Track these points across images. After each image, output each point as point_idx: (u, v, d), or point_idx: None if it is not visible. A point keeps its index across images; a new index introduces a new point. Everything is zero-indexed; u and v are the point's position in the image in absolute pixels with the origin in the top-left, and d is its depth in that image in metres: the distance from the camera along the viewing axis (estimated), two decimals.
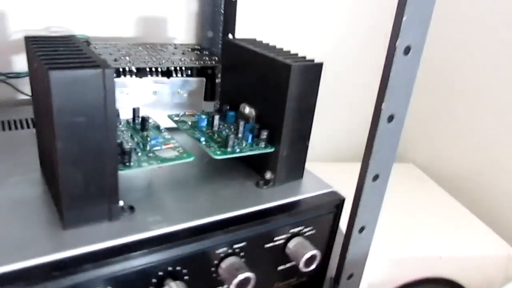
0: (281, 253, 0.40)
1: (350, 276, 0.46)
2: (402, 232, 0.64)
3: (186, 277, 0.34)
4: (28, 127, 0.49)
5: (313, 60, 0.38)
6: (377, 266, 0.59)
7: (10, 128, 0.49)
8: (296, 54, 0.40)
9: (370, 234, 0.44)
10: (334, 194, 0.42)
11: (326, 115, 0.88)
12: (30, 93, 0.38)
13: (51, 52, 0.31)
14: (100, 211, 0.32)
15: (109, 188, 0.32)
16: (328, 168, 0.78)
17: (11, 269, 0.27)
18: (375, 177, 0.40)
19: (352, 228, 0.43)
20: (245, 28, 0.70)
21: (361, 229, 0.43)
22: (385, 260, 0.60)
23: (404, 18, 0.34)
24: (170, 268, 0.33)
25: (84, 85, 0.28)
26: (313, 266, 0.39)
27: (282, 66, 0.37)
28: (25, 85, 0.57)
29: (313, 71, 0.38)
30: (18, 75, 0.55)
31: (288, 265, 0.41)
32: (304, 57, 0.39)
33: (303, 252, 0.38)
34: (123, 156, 0.33)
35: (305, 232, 0.40)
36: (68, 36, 0.36)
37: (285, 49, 0.42)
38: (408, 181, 0.81)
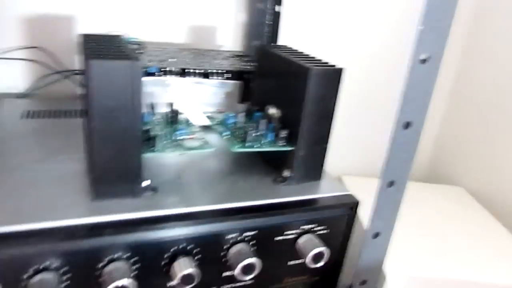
0: (291, 248, 0.41)
1: (364, 282, 0.46)
2: (439, 254, 0.62)
3: (197, 256, 0.37)
4: None
5: (334, 65, 0.40)
6: (410, 285, 0.58)
7: (71, 117, 0.55)
8: (320, 60, 0.42)
9: (385, 241, 0.44)
10: (349, 197, 0.43)
11: (369, 128, 0.87)
12: None
13: (95, 46, 0.36)
14: (124, 188, 0.36)
15: (133, 168, 0.36)
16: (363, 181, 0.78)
17: (40, 227, 0.32)
18: (390, 184, 0.41)
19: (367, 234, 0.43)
20: (292, 40, 0.73)
21: (376, 235, 0.43)
22: (418, 279, 0.58)
23: (421, 28, 0.35)
24: (183, 245, 0.36)
25: (116, 73, 0.33)
26: (320, 263, 0.40)
27: (302, 69, 0.39)
28: None
29: (333, 75, 0.40)
30: (81, 72, 0.63)
31: (298, 261, 0.42)
32: (326, 63, 0.41)
33: (311, 248, 0.39)
34: (149, 142, 0.37)
35: (317, 231, 0.42)
36: (115, 36, 0.42)
37: (317, 57, 0.43)
38: (455, 205, 0.79)
